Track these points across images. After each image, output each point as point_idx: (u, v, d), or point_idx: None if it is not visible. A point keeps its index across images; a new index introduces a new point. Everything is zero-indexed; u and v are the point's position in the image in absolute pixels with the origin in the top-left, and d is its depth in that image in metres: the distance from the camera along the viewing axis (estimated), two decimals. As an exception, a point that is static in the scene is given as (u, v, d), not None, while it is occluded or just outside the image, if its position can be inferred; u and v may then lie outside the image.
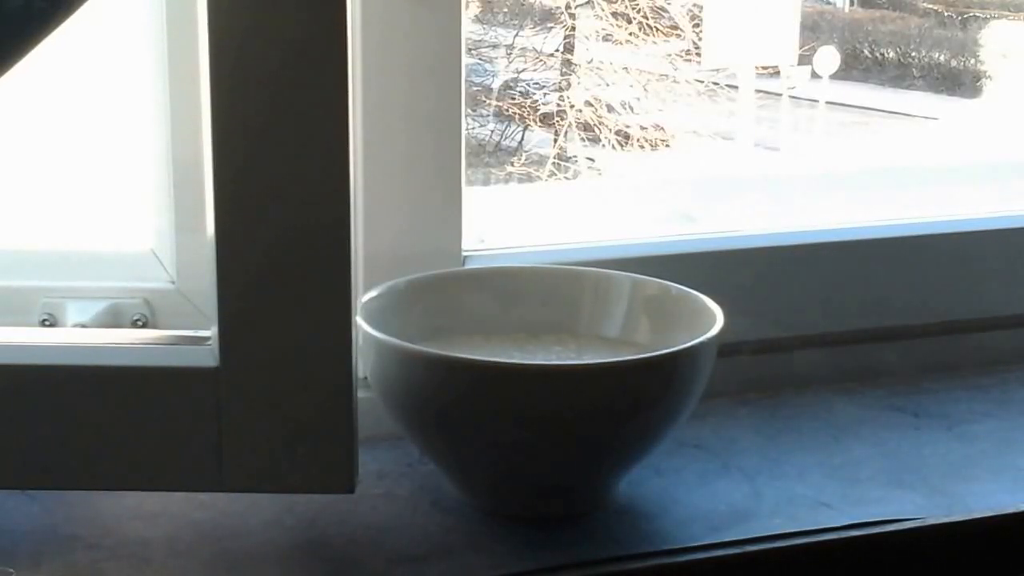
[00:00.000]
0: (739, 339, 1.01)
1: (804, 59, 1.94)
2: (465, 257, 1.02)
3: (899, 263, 1.13)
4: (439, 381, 0.84)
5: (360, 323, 0.86)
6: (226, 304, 0.79)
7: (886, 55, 2.16)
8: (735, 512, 0.90)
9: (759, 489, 0.93)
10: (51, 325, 0.96)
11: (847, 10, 2.22)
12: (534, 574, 0.83)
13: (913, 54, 2.15)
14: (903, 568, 0.90)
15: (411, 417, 0.87)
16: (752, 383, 1.08)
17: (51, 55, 0.77)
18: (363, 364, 0.86)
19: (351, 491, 0.82)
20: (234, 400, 0.80)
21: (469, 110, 1.80)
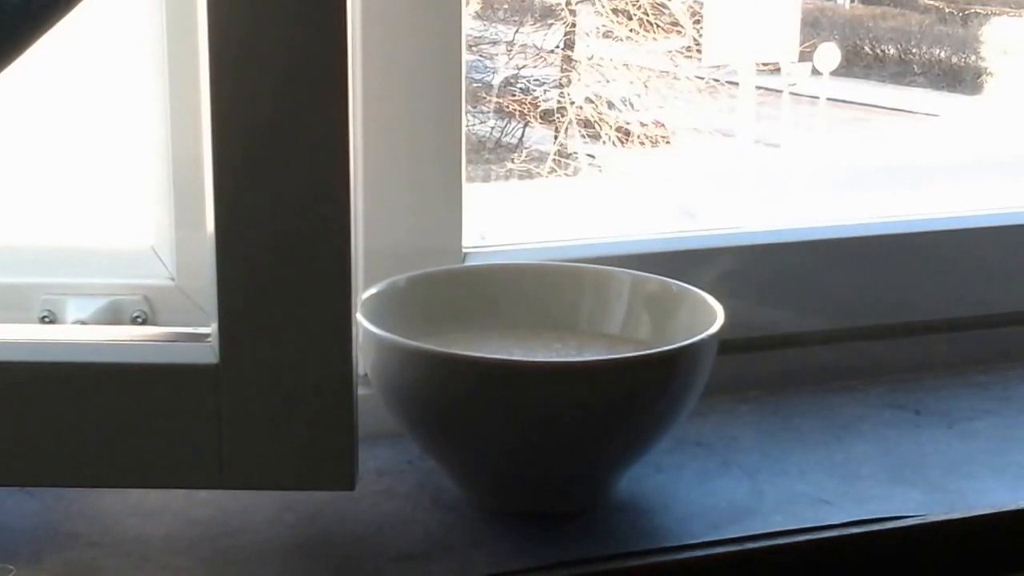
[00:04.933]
0: (740, 336, 1.01)
1: (805, 56, 1.94)
2: (466, 254, 1.02)
3: (900, 260, 1.13)
4: (439, 378, 0.84)
5: (360, 320, 0.86)
6: (226, 301, 0.79)
7: (887, 52, 2.15)
8: (736, 509, 0.90)
9: (760, 486, 0.93)
10: (51, 322, 0.96)
11: (848, 6, 2.22)
12: (535, 571, 0.83)
13: (914, 51, 2.15)
14: (904, 565, 0.90)
15: (411, 414, 0.87)
16: (753, 380, 1.08)
17: (51, 52, 0.77)
18: (363, 361, 0.86)
19: (351, 488, 0.82)
20: (234, 397, 0.80)
21: (469, 107, 1.80)
